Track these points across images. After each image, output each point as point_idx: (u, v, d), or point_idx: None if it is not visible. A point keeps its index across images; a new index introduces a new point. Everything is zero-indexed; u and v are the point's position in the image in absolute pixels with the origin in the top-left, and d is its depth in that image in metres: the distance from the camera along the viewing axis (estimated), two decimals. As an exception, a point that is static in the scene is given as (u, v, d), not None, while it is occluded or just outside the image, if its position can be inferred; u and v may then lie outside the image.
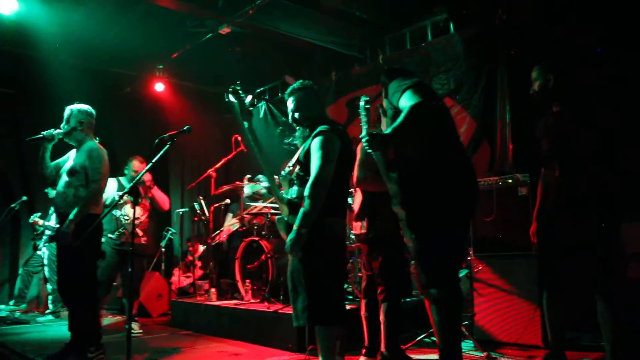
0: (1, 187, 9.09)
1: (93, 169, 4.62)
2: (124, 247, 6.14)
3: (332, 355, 3.35)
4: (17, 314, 8.04)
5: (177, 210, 9.30)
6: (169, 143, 3.81)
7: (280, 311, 5.24)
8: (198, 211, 8.07)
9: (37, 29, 7.20)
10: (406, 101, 2.94)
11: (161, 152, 3.77)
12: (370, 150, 2.95)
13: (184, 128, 3.86)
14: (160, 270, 8.76)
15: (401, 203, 3.11)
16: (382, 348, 4.03)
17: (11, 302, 7.97)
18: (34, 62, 8.12)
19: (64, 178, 4.67)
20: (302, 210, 3.25)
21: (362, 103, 3.10)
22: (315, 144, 3.36)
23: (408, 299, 4.82)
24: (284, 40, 7.88)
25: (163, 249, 8.98)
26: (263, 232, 6.52)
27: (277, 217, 3.68)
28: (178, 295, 7.94)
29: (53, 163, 4.83)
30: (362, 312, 4.31)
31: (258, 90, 10.00)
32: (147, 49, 8.13)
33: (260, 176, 7.16)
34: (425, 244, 3.02)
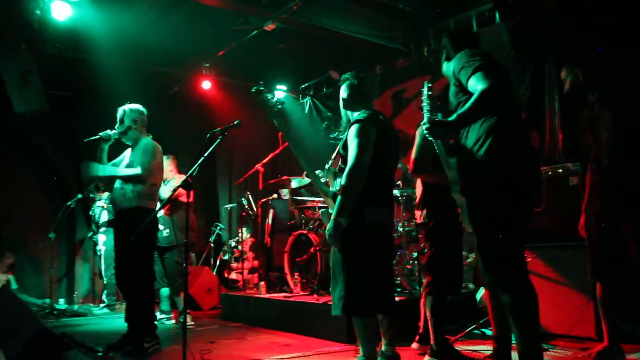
0: (58, 186, 9.45)
1: (143, 163, 4.80)
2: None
3: (370, 345, 3.36)
4: (75, 306, 8.35)
5: (225, 206, 9.47)
6: (220, 137, 3.88)
7: (329, 303, 5.27)
8: (246, 206, 8.21)
9: (90, 32, 7.44)
10: (476, 83, 2.79)
11: (212, 147, 3.85)
12: (431, 138, 2.90)
13: (234, 122, 3.93)
14: (209, 265, 8.94)
15: (461, 190, 3.04)
16: (431, 341, 3.99)
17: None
18: (87, 65, 8.40)
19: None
20: (338, 199, 3.26)
21: (424, 89, 2.97)
22: (351, 132, 3.39)
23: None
24: (328, 35, 7.91)
25: (212, 244, 9.14)
26: (311, 226, 6.59)
27: (321, 210, 3.72)
28: (228, 289, 8.09)
29: (110, 163, 5.00)
30: (422, 300, 4.24)
31: (303, 86, 10.10)
32: (193, 48, 8.29)
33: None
34: (487, 233, 2.91)
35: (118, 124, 4.97)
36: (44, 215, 9.18)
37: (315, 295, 5.83)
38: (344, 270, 3.33)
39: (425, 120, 2.86)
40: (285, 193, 8.31)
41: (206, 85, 9.02)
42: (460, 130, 2.95)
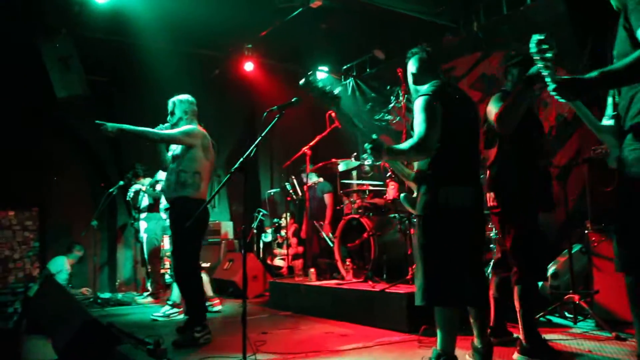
0: (98, 173, 9.36)
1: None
2: None
3: (449, 339, 3.09)
4: (119, 295, 8.25)
5: (268, 191, 9.25)
6: (278, 116, 3.63)
7: (387, 290, 5.02)
8: (290, 191, 7.97)
9: (130, 15, 7.27)
10: None
11: (270, 125, 3.60)
12: (563, 100, 2.41)
13: (292, 100, 3.66)
14: (252, 251, 8.75)
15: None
16: (522, 339, 3.57)
17: None
18: (126, 48, 8.25)
19: (170, 165, 4.89)
20: (399, 148, 3.11)
21: (533, 44, 2.37)
22: (416, 107, 3.16)
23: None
24: (372, 12, 7.58)
25: (255, 230, 8.94)
26: (360, 210, 6.32)
27: (402, 195, 3.44)
28: (273, 276, 7.88)
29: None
30: (491, 292, 3.95)
31: (345, 67, 9.79)
32: (236, 29, 8.05)
33: (365, 155, 6.94)
34: None
35: (169, 116, 4.97)
36: (86, 203, 9.11)
37: (370, 282, 5.57)
38: (422, 257, 3.10)
39: (549, 80, 2.36)
40: (313, 178, 7.99)
41: (248, 66, 8.77)
42: (598, 90, 2.44)
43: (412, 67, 3.45)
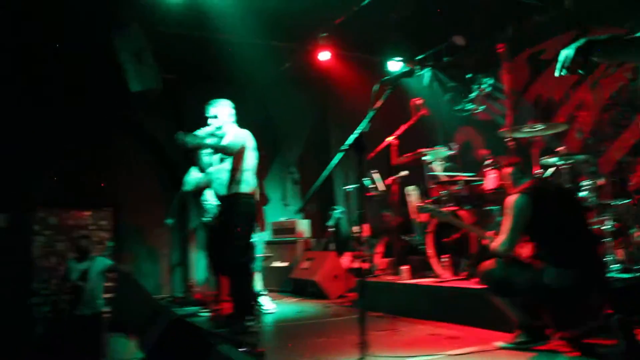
0: (169, 169, 9.20)
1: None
2: None
3: None
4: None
5: (345, 187, 8.83)
6: (390, 88, 3.23)
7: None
8: (370, 186, 7.55)
9: (201, 8, 7.00)
10: None
11: (383, 97, 3.19)
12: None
13: (406, 69, 3.27)
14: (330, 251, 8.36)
15: None
16: None
17: None
18: (194, 43, 7.99)
19: (218, 166, 5.16)
20: None
21: None
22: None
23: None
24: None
25: (331, 229, 8.55)
26: (450, 203, 5.84)
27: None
28: (355, 275, 7.45)
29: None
30: None
31: (419, 57, 9.30)
32: (310, 18, 7.69)
33: None
34: None
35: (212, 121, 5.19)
36: (157, 203, 8.96)
37: (474, 279, 5.07)
38: None
39: None
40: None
41: (323, 56, 8.38)
42: None
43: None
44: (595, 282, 3.49)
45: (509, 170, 3.91)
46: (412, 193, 6.89)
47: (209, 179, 5.28)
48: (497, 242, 3.63)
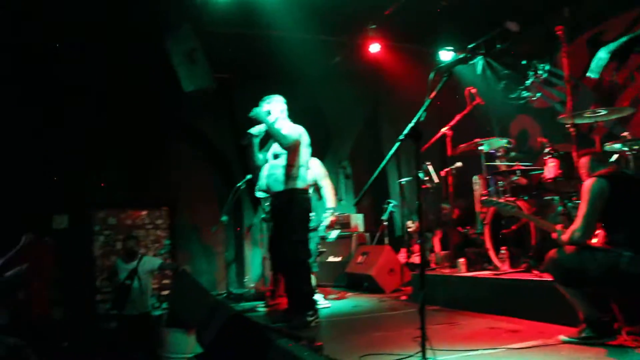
0: (222, 168, 9.31)
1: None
2: None
3: None
4: (253, 291, 8.10)
5: (398, 180, 8.71)
6: (446, 76, 3.15)
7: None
8: (425, 178, 7.43)
9: (249, 6, 7.04)
10: None
11: (439, 87, 3.11)
12: None
13: (461, 56, 3.19)
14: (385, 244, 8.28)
15: None
16: None
17: None
18: (244, 42, 8.06)
19: (272, 162, 5.14)
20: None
21: None
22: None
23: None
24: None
25: (385, 223, 8.47)
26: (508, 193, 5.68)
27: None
28: (411, 269, 7.36)
29: (262, 154, 5.28)
30: None
31: (471, 45, 9.08)
32: (359, 10, 7.61)
33: None
34: None
35: (265, 116, 5.12)
36: (211, 201, 9.11)
37: (534, 272, 4.92)
38: None
39: None
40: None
41: (374, 48, 8.29)
42: None
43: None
44: None
45: (586, 159, 3.74)
46: (477, 183, 6.73)
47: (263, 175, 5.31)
48: (572, 229, 3.48)
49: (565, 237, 3.56)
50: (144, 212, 8.79)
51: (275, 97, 5.33)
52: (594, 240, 3.53)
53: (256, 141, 5.23)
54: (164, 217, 8.97)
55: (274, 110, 5.21)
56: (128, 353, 6.17)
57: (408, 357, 3.37)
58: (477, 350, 3.56)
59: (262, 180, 5.24)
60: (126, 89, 8.14)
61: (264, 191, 5.36)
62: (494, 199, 4.59)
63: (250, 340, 3.67)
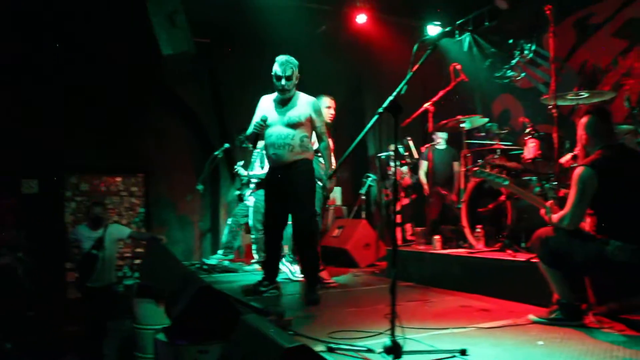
0: (199, 135, 9.14)
1: (321, 121, 4.86)
2: None
3: None
4: (226, 262, 8.01)
5: (379, 155, 8.64)
6: (430, 48, 3.05)
7: (533, 260, 4.33)
8: (405, 153, 7.37)
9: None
10: None
11: (423, 59, 3.01)
12: None
13: (447, 29, 3.09)
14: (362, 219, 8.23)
15: None
16: None
17: (220, 252, 7.86)
18: (226, 5, 7.83)
19: (284, 130, 4.71)
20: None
21: None
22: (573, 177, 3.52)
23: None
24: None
25: (363, 197, 8.41)
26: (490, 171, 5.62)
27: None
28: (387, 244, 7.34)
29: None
30: None
31: (459, 22, 8.96)
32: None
33: None
34: None
35: (285, 80, 4.68)
36: (188, 169, 8.95)
37: (508, 251, 4.92)
38: None
39: None
40: (441, 139, 7.37)
41: (361, 19, 8.14)
42: None
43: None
44: None
45: (590, 120, 3.63)
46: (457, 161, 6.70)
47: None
48: (560, 215, 3.50)
49: (554, 218, 3.56)
50: (119, 179, 8.59)
51: (294, 60, 4.78)
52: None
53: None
54: (139, 184, 8.78)
55: (294, 76, 4.73)
56: (93, 326, 6.06)
57: (377, 334, 3.32)
58: (447, 329, 3.54)
59: (269, 151, 4.83)
60: (104, 48, 7.89)
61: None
62: (486, 170, 4.54)
63: (219, 315, 3.60)
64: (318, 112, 4.83)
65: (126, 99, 8.29)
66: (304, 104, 4.77)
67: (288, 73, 4.65)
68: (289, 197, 4.75)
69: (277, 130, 4.72)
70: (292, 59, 4.74)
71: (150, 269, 6.06)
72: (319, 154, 5.07)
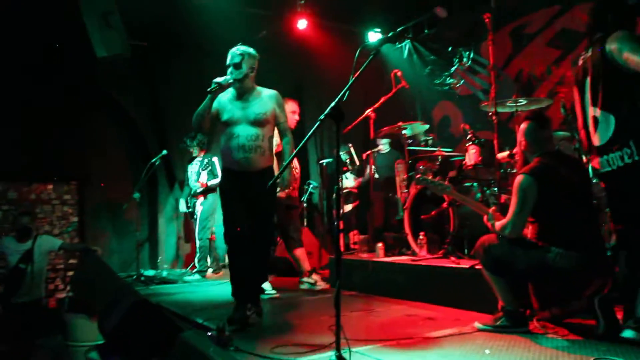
0: (137, 141, 8.85)
1: (284, 116, 4.40)
2: None
3: None
4: (164, 272, 7.77)
5: (321, 161, 8.57)
6: (372, 54, 2.99)
7: (477, 267, 4.35)
8: (347, 160, 7.32)
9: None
10: None
11: (364, 66, 2.95)
12: None
13: (389, 35, 3.08)
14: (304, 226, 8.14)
15: None
16: None
17: (211, 269, 7.61)
18: (164, 9, 7.61)
19: (251, 130, 4.12)
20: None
21: None
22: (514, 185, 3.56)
23: None
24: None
25: (305, 204, 8.33)
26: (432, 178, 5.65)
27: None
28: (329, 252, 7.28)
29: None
30: None
31: (400, 29, 9.04)
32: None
33: None
34: None
35: (232, 68, 4.13)
36: (125, 176, 8.65)
37: (452, 258, 4.92)
38: None
39: None
40: (384, 145, 7.40)
41: (302, 24, 8.07)
42: None
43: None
44: (598, 264, 3.39)
45: (529, 127, 3.65)
46: (399, 167, 6.68)
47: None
48: (502, 223, 3.54)
49: (497, 226, 3.60)
50: (50, 186, 8.19)
51: (249, 49, 4.29)
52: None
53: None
54: (72, 192, 8.40)
55: (245, 64, 4.18)
56: (21, 343, 5.70)
57: (322, 347, 3.22)
58: (394, 340, 3.47)
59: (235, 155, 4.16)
60: (37, 49, 7.52)
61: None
62: (429, 177, 4.54)
63: (155, 331, 3.41)
64: (281, 106, 4.37)
65: (60, 101, 7.91)
66: (266, 99, 4.28)
67: (236, 60, 4.14)
68: (254, 207, 4.22)
69: (243, 130, 4.13)
70: (246, 48, 4.26)
71: (83, 281, 5.79)
72: None
